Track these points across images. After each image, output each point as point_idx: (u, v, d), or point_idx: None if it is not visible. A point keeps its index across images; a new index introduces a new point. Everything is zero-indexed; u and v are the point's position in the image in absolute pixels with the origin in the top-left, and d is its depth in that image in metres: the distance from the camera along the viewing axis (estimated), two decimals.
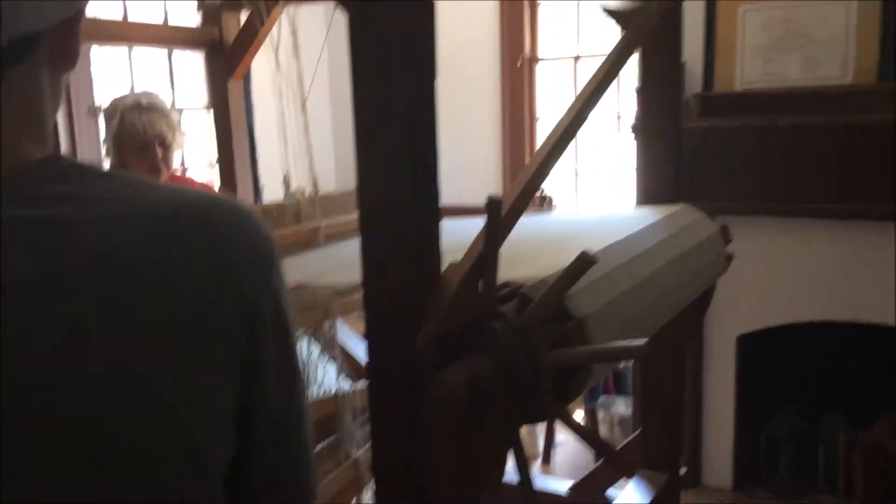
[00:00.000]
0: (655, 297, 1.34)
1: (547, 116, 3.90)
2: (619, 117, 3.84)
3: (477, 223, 1.06)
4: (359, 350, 1.96)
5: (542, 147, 1.25)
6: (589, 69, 3.43)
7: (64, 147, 3.09)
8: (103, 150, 2.37)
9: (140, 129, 2.17)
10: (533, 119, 3.93)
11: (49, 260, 0.51)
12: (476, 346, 0.99)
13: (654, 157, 2.24)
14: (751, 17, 2.58)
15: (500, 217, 0.98)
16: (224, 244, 0.59)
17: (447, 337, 0.96)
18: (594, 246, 1.37)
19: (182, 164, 3.51)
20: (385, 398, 0.98)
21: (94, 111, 3.24)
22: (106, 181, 0.59)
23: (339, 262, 1.41)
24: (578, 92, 1.33)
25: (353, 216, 2.43)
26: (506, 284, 1.07)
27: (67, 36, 0.58)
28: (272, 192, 3.18)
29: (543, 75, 3.90)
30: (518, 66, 3.88)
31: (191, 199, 0.60)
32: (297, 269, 1.42)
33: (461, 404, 0.92)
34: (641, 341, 0.90)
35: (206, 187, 2.50)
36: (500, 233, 0.99)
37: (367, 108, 0.92)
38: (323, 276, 1.35)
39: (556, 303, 0.99)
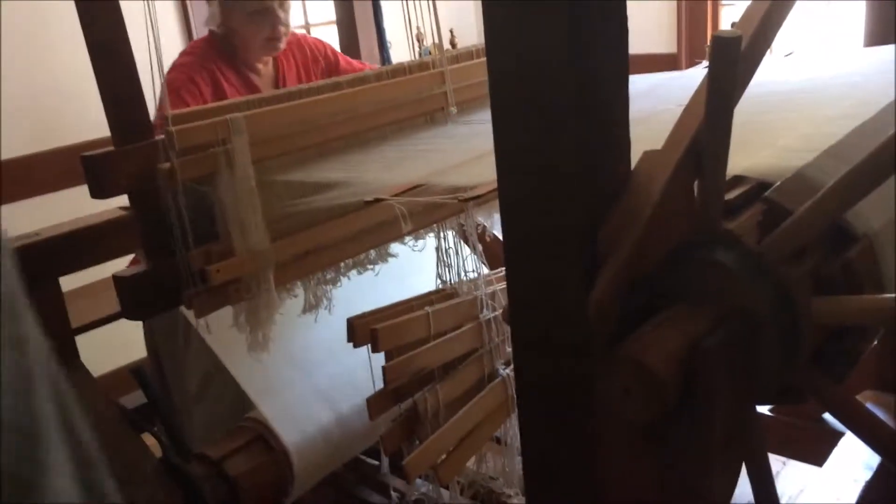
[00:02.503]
0: None
1: None
2: None
3: (667, 80, 0.66)
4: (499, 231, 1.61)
5: None
6: None
7: (178, 29, 2.85)
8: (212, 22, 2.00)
9: None
10: None
11: None
12: (690, 290, 0.61)
13: None
14: None
15: (736, 66, 0.57)
16: None
17: (642, 276, 0.60)
18: (854, 111, 0.93)
19: (306, 22, 3.19)
20: (538, 382, 0.63)
21: None
22: None
23: (471, 147, 1.05)
24: None
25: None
26: (735, 181, 0.68)
27: None
28: (401, 52, 2.81)
29: None
30: None
31: None
32: (420, 158, 1.07)
33: (667, 396, 0.56)
34: None
35: (324, 47, 2.12)
36: (734, 96, 0.59)
37: None
38: (450, 173, 0.98)
39: (838, 216, 0.58)
